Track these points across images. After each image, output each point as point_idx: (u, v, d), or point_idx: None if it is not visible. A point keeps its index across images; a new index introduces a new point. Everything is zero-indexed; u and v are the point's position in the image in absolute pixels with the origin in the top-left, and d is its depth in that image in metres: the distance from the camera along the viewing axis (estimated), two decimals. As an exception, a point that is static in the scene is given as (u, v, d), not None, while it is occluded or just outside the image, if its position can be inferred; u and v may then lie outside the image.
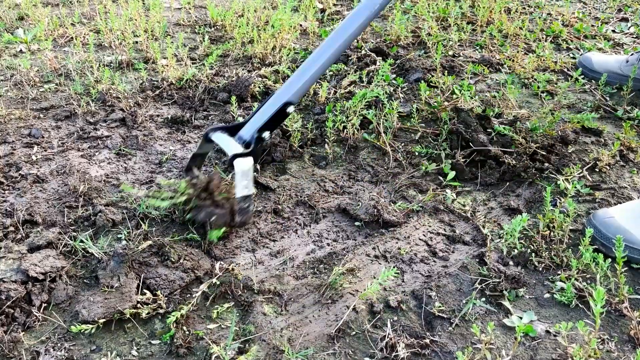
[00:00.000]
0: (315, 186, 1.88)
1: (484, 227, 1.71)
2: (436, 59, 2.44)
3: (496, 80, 2.55)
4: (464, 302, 1.46)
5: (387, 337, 1.34)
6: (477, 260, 1.60)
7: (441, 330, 1.38)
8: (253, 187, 1.55)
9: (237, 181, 1.50)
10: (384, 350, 1.32)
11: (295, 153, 2.03)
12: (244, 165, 1.51)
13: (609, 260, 1.45)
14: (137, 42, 2.81)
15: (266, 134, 1.61)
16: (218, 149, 1.91)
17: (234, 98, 2.17)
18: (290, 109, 1.62)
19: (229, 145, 1.56)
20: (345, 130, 2.09)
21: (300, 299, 1.46)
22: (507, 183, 1.91)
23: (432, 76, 2.48)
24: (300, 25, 3.04)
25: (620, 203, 1.80)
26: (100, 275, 1.45)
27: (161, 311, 1.39)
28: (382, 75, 2.29)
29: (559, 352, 1.33)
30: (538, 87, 2.48)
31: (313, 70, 1.64)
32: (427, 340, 1.34)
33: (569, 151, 2.04)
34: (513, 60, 2.70)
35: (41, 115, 2.19)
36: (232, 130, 1.64)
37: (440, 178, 1.93)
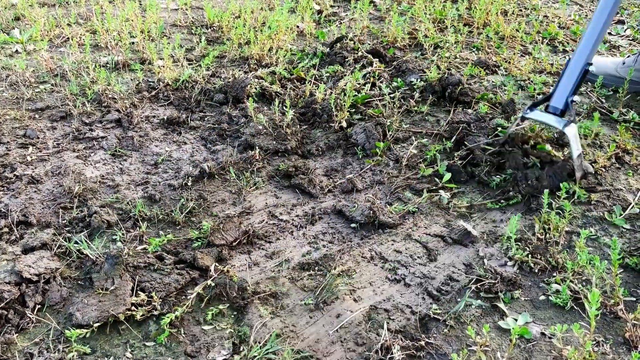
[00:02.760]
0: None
1: (479, 228, 1.71)
2: (433, 60, 2.44)
3: (492, 82, 2.55)
4: (460, 303, 1.46)
5: (383, 338, 1.34)
6: (473, 261, 1.60)
7: (436, 332, 1.38)
8: (580, 147, 1.82)
9: (572, 145, 1.77)
10: (379, 352, 1.32)
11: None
12: (574, 131, 1.77)
13: (605, 262, 1.45)
14: (133, 43, 2.80)
15: (576, 97, 1.79)
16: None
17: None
18: (592, 68, 1.78)
19: (551, 119, 1.80)
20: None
21: (296, 301, 1.46)
22: (503, 184, 1.91)
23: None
24: (297, 26, 3.03)
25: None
26: (94, 278, 1.44)
27: (156, 313, 1.39)
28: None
29: (554, 354, 1.33)
30: (534, 89, 2.49)
31: (599, 29, 1.78)
32: (422, 342, 1.34)
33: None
34: (509, 62, 2.70)
35: (36, 116, 2.18)
36: (541, 103, 1.86)
37: (437, 179, 1.93)
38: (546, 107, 1.85)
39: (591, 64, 1.79)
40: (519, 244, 1.64)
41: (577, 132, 1.78)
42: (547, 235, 1.66)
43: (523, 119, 1.87)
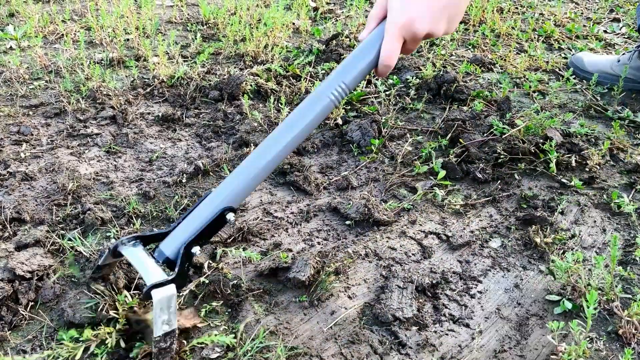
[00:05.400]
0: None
1: (474, 225, 1.72)
2: (428, 58, 2.44)
3: (488, 79, 2.56)
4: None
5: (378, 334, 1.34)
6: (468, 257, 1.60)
7: (433, 328, 1.38)
8: (175, 321, 1.17)
9: (155, 317, 1.13)
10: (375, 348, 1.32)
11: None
12: (165, 296, 1.13)
13: (603, 258, 1.45)
14: (128, 40, 2.79)
15: (196, 249, 1.21)
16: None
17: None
18: (230, 216, 1.23)
19: (146, 267, 1.18)
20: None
21: (290, 298, 1.46)
22: (499, 181, 1.91)
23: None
24: (293, 23, 3.03)
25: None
26: (88, 274, 1.44)
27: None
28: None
29: (550, 348, 1.33)
30: (530, 87, 2.49)
31: (259, 168, 1.26)
32: (418, 338, 1.34)
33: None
34: (505, 60, 2.70)
35: (30, 113, 2.17)
36: (150, 240, 1.27)
37: (432, 177, 1.93)
38: (155, 248, 1.25)
39: (233, 211, 1.23)
40: (518, 241, 1.65)
41: (172, 300, 1.14)
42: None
43: (115, 252, 1.25)
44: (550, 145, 1.95)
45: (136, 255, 1.21)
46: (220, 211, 1.22)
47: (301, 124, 1.26)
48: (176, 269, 1.18)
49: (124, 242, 1.24)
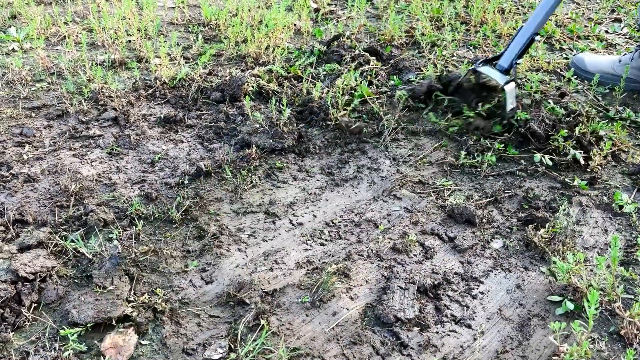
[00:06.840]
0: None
1: (479, 224, 1.72)
2: (430, 58, 2.44)
3: (489, 80, 2.56)
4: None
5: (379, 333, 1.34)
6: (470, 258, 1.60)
7: (435, 328, 1.39)
8: (516, 102, 2.07)
9: (507, 99, 2.03)
10: (377, 347, 1.32)
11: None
12: (512, 87, 2.04)
13: (605, 258, 1.46)
14: (130, 41, 2.80)
15: (520, 60, 2.09)
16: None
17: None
18: (537, 37, 2.07)
19: (495, 74, 2.07)
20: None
21: (292, 299, 1.46)
22: (500, 182, 1.91)
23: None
24: (294, 24, 3.03)
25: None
26: (94, 275, 1.45)
27: (153, 310, 1.38)
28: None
29: (552, 349, 1.33)
30: (531, 87, 2.48)
31: (550, 5, 2.01)
32: (418, 339, 1.34)
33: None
34: (506, 61, 2.70)
35: (33, 114, 2.18)
36: (491, 61, 2.14)
37: (435, 179, 1.93)
38: (495, 64, 2.11)
39: (538, 34, 2.07)
40: (520, 241, 1.65)
41: (514, 89, 2.04)
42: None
43: (474, 71, 2.15)
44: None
45: (487, 69, 2.12)
46: (531, 37, 2.04)
47: None
48: (512, 73, 2.07)
49: (478, 65, 2.14)
